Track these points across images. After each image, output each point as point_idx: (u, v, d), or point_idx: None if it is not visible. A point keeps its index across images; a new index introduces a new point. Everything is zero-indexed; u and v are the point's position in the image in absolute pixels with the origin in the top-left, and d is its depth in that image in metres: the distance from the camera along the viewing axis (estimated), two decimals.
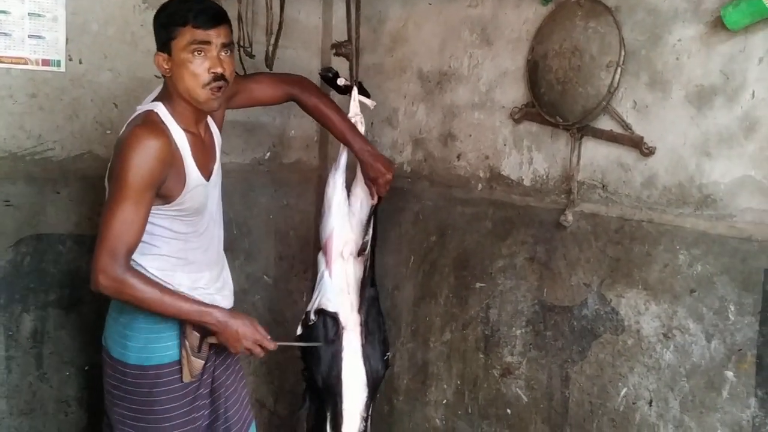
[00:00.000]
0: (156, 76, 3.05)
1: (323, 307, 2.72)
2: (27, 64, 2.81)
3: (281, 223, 3.47)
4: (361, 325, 2.76)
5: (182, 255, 2.33)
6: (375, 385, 2.81)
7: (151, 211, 2.19)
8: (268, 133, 3.31)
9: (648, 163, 2.25)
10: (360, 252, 2.79)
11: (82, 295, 2.97)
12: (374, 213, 2.83)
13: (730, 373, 2.06)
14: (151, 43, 3.02)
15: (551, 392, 2.54)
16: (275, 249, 3.53)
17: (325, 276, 2.78)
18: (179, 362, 2.32)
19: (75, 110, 2.93)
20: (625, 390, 2.32)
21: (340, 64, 3.03)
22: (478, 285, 2.80)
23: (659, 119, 2.22)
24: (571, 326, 2.47)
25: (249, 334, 2.31)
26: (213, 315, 2.26)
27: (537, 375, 2.59)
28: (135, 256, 2.20)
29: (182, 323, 2.28)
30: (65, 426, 3.01)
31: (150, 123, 2.20)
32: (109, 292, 2.15)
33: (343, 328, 2.75)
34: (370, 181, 2.74)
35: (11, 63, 2.78)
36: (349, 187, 2.86)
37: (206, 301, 2.31)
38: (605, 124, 2.35)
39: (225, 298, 2.47)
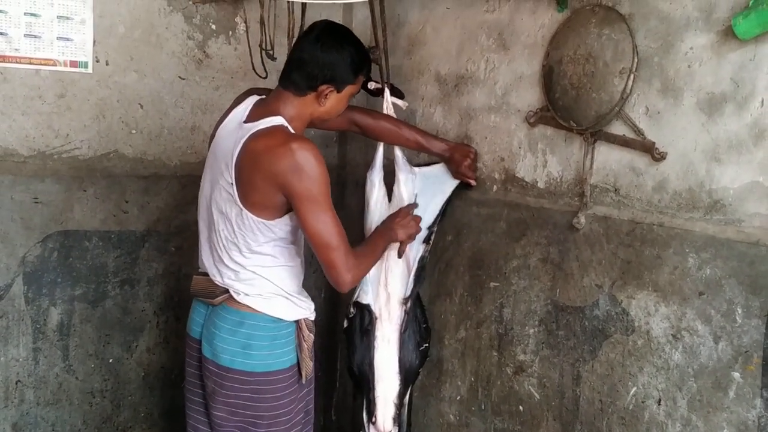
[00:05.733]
0: (180, 77, 3.14)
1: (359, 299, 2.89)
2: (55, 65, 2.89)
3: None
4: (406, 313, 2.87)
5: (294, 263, 2.46)
6: (408, 374, 2.91)
7: (280, 223, 2.35)
8: None
9: (659, 168, 2.29)
10: (425, 241, 2.90)
11: (106, 290, 3.05)
12: (448, 201, 2.95)
13: (736, 374, 2.10)
14: (175, 45, 3.12)
15: (563, 390, 2.59)
16: None
17: None
18: (298, 365, 2.45)
19: (101, 110, 3.00)
20: (634, 389, 2.36)
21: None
22: (492, 284, 2.85)
23: (671, 125, 2.25)
24: (582, 326, 2.52)
25: (408, 227, 2.74)
26: (393, 232, 2.69)
27: (549, 373, 2.63)
28: (259, 272, 2.37)
29: (299, 329, 2.45)
30: (90, 416, 3.09)
31: (299, 136, 2.36)
32: (355, 283, 2.46)
33: (376, 318, 2.86)
34: (462, 174, 2.87)
35: (40, 64, 2.86)
36: (389, 186, 2.95)
37: (304, 302, 2.51)
38: (618, 129, 2.39)
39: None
